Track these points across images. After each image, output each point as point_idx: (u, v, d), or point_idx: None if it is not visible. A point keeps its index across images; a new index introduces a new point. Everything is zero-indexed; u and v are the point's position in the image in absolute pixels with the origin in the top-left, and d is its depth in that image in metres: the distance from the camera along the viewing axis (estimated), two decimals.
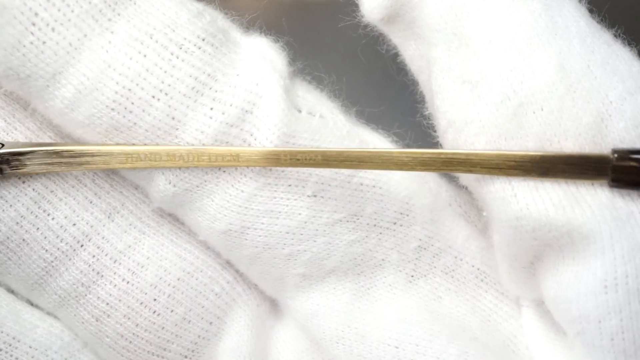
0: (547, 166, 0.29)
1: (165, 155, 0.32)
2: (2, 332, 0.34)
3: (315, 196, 0.33)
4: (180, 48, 0.31)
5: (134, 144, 0.32)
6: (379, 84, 0.41)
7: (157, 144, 0.32)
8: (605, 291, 0.28)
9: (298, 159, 0.31)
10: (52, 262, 0.34)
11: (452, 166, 0.30)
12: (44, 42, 0.30)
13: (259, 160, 0.31)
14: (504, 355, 0.33)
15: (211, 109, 0.32)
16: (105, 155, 0.32)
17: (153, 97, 0.31)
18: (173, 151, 0.31)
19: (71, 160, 0.32)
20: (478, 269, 0.35)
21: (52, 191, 0.33)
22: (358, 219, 0.34)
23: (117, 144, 0.32)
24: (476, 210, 0.36)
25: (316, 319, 0.34)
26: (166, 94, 0.31)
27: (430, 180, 0.35)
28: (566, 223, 0.29)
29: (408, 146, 0.35)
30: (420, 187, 0.35)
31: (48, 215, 0.33)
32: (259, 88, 0.32)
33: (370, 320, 0.34)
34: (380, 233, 0.34)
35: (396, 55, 0.34)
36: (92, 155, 0.32)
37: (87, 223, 0.34)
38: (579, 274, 0.29)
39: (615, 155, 0.28)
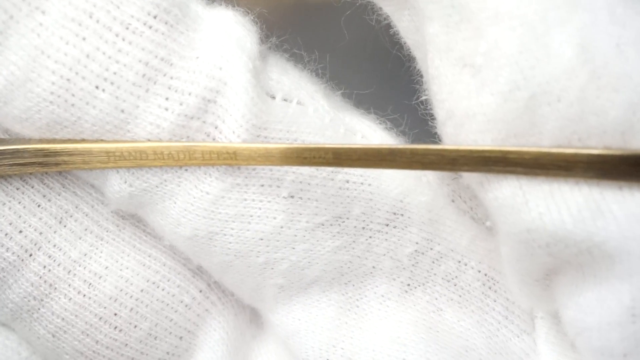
0: (606, 168, 0.24)
1: (152, 153, 0.28)
2: None
3: (292, 197, 0.29)
4: (127, 28, 0.27)
5: (116, 141, 0.28)
6: (369, 61, 0.36)
7: (144, 140, 0.28)
8: (632, 320, 0.24)
9: (305, 157, 0.27)
10: None
11: (488, 165, 0.25)
12: None
13: (259, 158, 0.27)
14: None
15: (167, 99, 0.27)
16: (84, 154, 0.28)
17: (97, 87, 0.27)
18: (161, 148, 0.28)
19: (46, 160, 0.29)
20: (485, 275, 0.30)
21: None
22: (343, 221, 0.29)
23: (98, 141, 0.28)
24: (484, 207, 0.31)
25: (298, 336, 0.30)
26: (112, 83, 0.27)
27: (428, 174, 0.30)
28: (586, 238, 0.24)
29: (403, 133, 0.30)
30: (416, 182, 0.30)
31: None
32: (222, 73, 0.27)
33: (358, 339, 0.30)
34: (370, 237, 0.30)
35: (389, 26, 0.29)
36: (70, 154, 0.28)
37: (35, 230, 0.30)
38: (602, 297, 0.24)
39: None
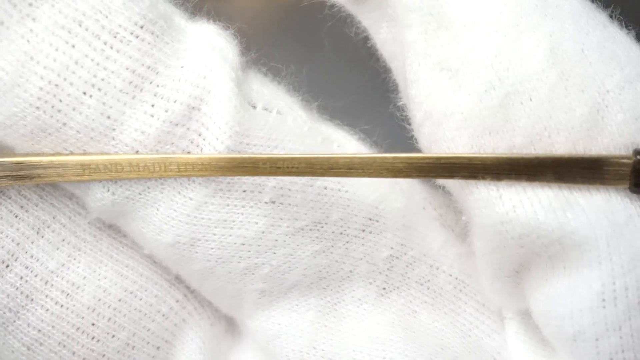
0: (561, 171, 0.26)
1: (128, 166, 0.28)
2: None
3: (273, 203, 0.29)
4: (115, 37, 0.27)
5: (91, 154, 0.28)
6: (345, 75, 0.37)
7: (118, 153, 0.28)
8: (603, 305, 0.25)
9: (279, 167, 0.27)
10: None
11: (454, 172, 0.26)
12: None
13: (234, 169, 0.28)
14: None
15: (152, 106, 0.28)
16: (58, 166, 0.28)
17: (84, 93, 0.27)
18: (137, 161, 0.28)
19: (20, 173, 0.28)
20: (456, 279, 0.32)
21: None
22: (322, 227, 0.30)
23: (72, 154, 0.28)
24: (453, 214, 0.32)
25: (278, 340, 0.31)
26: (99, 89, 0.27)
27: (401, 182, 0.32)
28: (557, 228, 0.25)
29: (376, 144, 0.32)
30: (390, 189, 0.31)
31: None
32: (206, 81, 0.28)
33: (338, 340, 0.30)
34: (348, 242, 0.31)
35: (366, 39, 0.30)
36: (45, 167, 0.28)
37: (12, 240, 0.30)
38: (572, 286, 0.26)
39: (638, 157, 0.25)
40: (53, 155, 0.29)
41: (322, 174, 0.28)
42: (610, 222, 0.26)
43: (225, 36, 0.30)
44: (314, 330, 0.31)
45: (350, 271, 0.31)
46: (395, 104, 0.30)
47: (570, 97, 0.25)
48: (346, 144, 0.31)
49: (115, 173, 0.28)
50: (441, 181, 0.29)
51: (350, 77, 0.37)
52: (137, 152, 0.28)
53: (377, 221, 0.31)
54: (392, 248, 0.31)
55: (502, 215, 0.26)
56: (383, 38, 0.30)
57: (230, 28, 0.30)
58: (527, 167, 0.26)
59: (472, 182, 0.27)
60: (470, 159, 0.26)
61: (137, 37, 0.28)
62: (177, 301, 0.32)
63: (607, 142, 0.26)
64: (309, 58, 0.34)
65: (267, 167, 0.28)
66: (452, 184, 0.28)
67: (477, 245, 0.29)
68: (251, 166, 0.28)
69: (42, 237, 0.30)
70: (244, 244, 0.30)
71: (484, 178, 0.26)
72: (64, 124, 0.28)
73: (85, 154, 0.28)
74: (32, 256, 0.30)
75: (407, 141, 0.30)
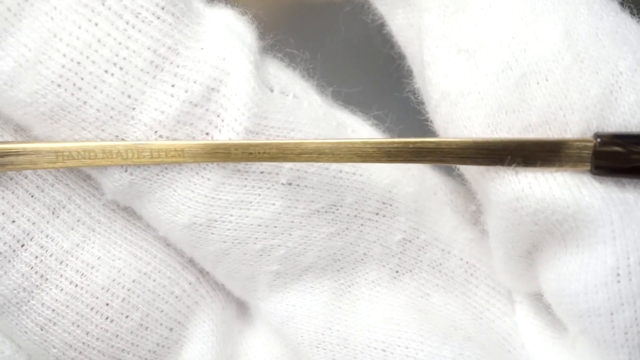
0: (525, 154, 0.27)
1: (101, 153, 0.28)
2: None
3: (290, 184, 0.30)
4: (137, 17, 0.28)
5: (64, 140, 0.28)
6: (359, 61, 0.38)
7: (89, 140, 0.28)
8: (617, 280, 0.26)
9: (251, 153, 0.28)
10: None
11: (421, 156, 0.27)
12: None
13: (206, 155, 0.28)
14: (500, 356, 0.30)
15: (172, 86, 0.28)
16: (31, 153, 0.28)
17: (106, 71, 0.28)
18: (109, 147, 0.28)
19: None
20: (467, 263, 0.32)
21: None
22: (337, 209, 0.31)
23: (45, 141, 0.29)
24: (463, 199, 0.33)
25: (293, 321, 0.31)
26: (121, 68, 0.28)
27: (413, 167, 0.32)
28: (572, 204, 0.26)
29: (389, 129, 0.32)
30: (403, 174, 0.32)
31: None
32: (226, 63, 0.29)
33: (352, 321, 0.31)
34: (362, 225, 0.31)
35: (382, 26, 0.31)
36: (17, 154, 0.28)
37: (28, 220, 0.30)
38: (585, 263, 0.26)
39: (598, 140, 0.26)
40: (26, 142, 0.29)
41: (293, 159, 0.28)
42: (621, 200, 0.26)
43: (242, 21, 0.30)
44: (329, 311, 0.31)
45: (364, 254, 0.31)
46: (409, 89, 0.31)
47: (585, 78, 0.26)
48: (360, 129, 0.32)
49: (88, 160, 0.28)
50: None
51: (364, 64, 0.38)
52: (121, 139, 0.29)
53: (391, 205, 0.31)
54: (404, 232, 0.32)
55: (517, 191, 0.27)
56: (399, 24, 0.31)
57: (247, 13, 0.31)
58: (491, 150, 0.27)
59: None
60: (437, 143, 0.27)
61: (158, 17, 0.28)
62: (190, 284, 0.32)
63: (620, 122, 0.26)
64: (324, 44, 0.34)
65: (238, 153, 0.28)
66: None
67: (490, 224, 0.29)
68: (223, 152, 0.28)
69: (58, 217, 0.30)
70: (260, 225, 0.30)
71: (450, 162, 0.27)
72: (85, 102, 0.28)
73: (59, 140, 0.29)
74: (47, 236, 0.30)
75: (420, 126, 0.31)
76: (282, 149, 0.28)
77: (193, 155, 0.28)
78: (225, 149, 0.28)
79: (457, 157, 0.27)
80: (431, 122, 0.30)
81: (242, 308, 0.34)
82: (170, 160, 0.28)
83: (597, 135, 0.26)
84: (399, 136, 0.32)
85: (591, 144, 0.26)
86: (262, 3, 0.31)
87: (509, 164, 0.27)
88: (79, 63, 0.27)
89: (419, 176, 0.32)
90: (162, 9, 0.28)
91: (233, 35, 0.29)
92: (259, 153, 0.28)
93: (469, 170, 0.29)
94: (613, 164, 0.26)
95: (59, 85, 0.28)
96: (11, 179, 0.30)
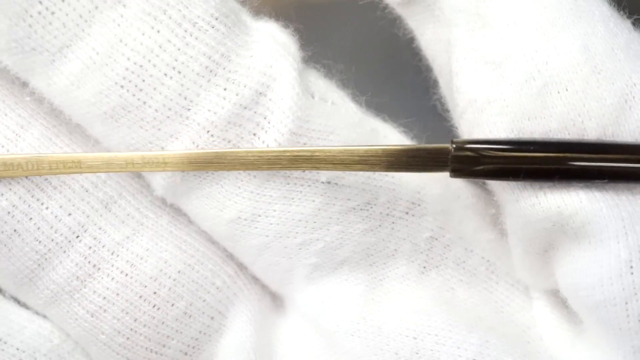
0: (391, 160, 0.30)
1: (2, 165, 0.30)
2: None
3: (329, 183, 0.32)
4: (194, 26, 0.30)
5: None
6: (389, 73, 0.40)
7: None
8: (631, 272, 0.28)
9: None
10: (45, 254, 0.32)
11: (297, 163, 0.30)
12: (52, 13, 0.29)
13: (101, 165, 0.30)
14: (520, 346, 0.32)
15: (225, 89, 0.31)
16: None
17: (165, 74, 0.30)
18: (10, 160, 0.30)
19: None
20: (488, 261, 0.35)
21: (46, 179, 0.31)
22: (371, 207, 0.33)
23: None
24: (483, 203, 0.35)
25: (329, 311, 0.33)
26: (179, 72, 0.30)
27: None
28: (585, 201, 0.29)
29: (417, 136, 0.35)
30: (430, 177, 0.34)
31: (42, 204, 0.31)
32: (273, 70, 0.31)
33: (385, 311, 0.33)
34: (393, 222, 0.33)
35: (411, 40, 0.34)
36: None
37: (83, 213, 0.32)
38: (598, 258, 0.29)
39: (454, 145, 0.29)
40: None
41: (175, 169, 0.30)
42: (630, 201, 0.29)
43: (286, 32, 0.33)
44: (363, 302, 0.33)
45: (395, 250, 0.34)
46: (436, 98, 0.34)
47: (602, 88, 0.29)
48: (390, 135, 0.34)
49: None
50: None
51: (394, 75, 0.41)
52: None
53: (419, 205, 0.34)
54: (432, 230, 0.34)
55: (535, 190, 0.29)
56: (428, 38, 0.33)
57: (289, 27, 0.34)
58: (361, 157, 0.30)
59: None
60: (312, 151, 0.30)
61: (212, 27, 0.31)
62: (229, 276, 0.34)
63: (633, 128, 0.29)
64: (358, 57, 0.37)
65: (159, 162, 0.30)
66: None
67: (509, 223, 0.32)
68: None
69: (110, 211, 0.33)
70: (300, 220, 0.32)
71: (325, 169, 0.30)
72: (144, 103, 0.30)
73: None
74: (100, 228, 0.32)
75: (446, 132, 0.34)
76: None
77: (89, 166, 0.30)
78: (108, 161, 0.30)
79: (330, 163, 0.30)
80: (456, 128, 0.33)
81: (276, 301, 0.36)
82: (68, 171, 0.30)
83: (452, 142, 0.29)
84: (427, 142, 0.35)
85: (448, 150, 0.29)
86: (302, 18, 0.34)
87: (378, 170, 0.30)
88: (141, 66, 0.30)
89: (444, 180, 0.35)
90: (216, 19, 0.31)
91: (279, 45, 0.32)
92: (152, 163, 0.30)
93: None
94: (468, 167, 0.29)
95: (122, 87, 0.30)
96: (68, 175, 0.32)
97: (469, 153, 0.29)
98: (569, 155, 0.29)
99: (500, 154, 0.29)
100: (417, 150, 0.30)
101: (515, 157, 0.29)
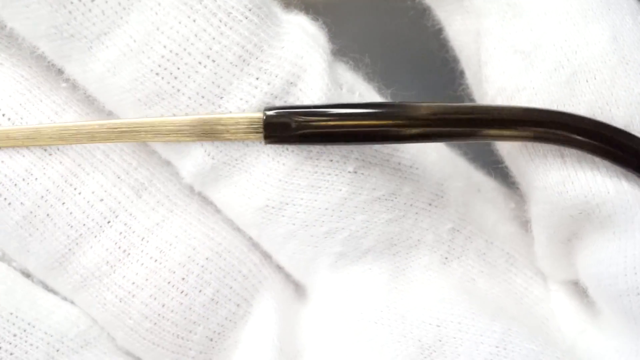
0: (206, 128, 0.31)
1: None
2: (17, 317, 0.32)
3: (355, 172, 0.33)
4: (229, 15, 0.31)
5: None
6: (413, 67, 0.41)
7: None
8: None
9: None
10: (76, 239, 0.32)
11: (119, 135, 0.31)
12: (92, 0, 0.29)
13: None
14: (540, 336, 0.33)
15: (257, 78, 0.31)
16: None
17: (200, 63, 0.31)
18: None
19: None
20: (507, 254, 0.35)
21: (79, 165, 0.32)
22: (396, 197, 0.34)
23: None
24: (503, 197, 0.36)
25: (353, 299, 0.34)
26: (213, 60, 0.31)
27: (460, 165, 0.36)
28: (612, 189, 0.30)
29: None
30: (453, 170, 0.35)
31: (75, 189, 0.32)
32: (303, 61, 0.32)
33: (409, 300, 0.33)
34: (417, 213, 0.34)
35: (439, 31, 0.35)
36: None
37: (114, 199, 0.32)
38: (622, 247, 0.30)
39: (266, 113, 0.30)
40: None
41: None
42: None
43: (315, 25, 0.34)
44: (387, 291, 0.34)
45: (418, 240, 0.34)
46: (462, 89, 0.34)
47: (630, 78, 0.30)
48: None
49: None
50: (503, 150, 0.33)
51: (420, 68, 0.41)
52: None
53: (442, 197, 0.34)
54: (454, 222, 0.35)
55: (564, 176, 0.30)
56: (456, 29, 0.34)
57: (318, 20, 0.34)
58: (176, 126, 0.31)
59: (538, 147, 0.31)
60: (129, 124, 0.31)
61: (246, 17, 0.31)
62: (255, 265, 0.35)
63: None
64: (385, 49, 0.38)
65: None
66: (514, 153, 0.32)
67: (534, 211, 0.33)
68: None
69: (140, 197, 0.33)
70: (327, 209, 0.33)
71: (143, 139, 0.31)
72: (178, 90, 0.31)
73: None
74: (131, 215, 0.33)
75: None
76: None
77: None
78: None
79: (149, 134, 0.31)
80: None
81: (298, 291, 0.37)
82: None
83: (266, 110, 0.30)
84: None
85: (260, 118, 0.30)
86: (330, 11, 0.35)
87: (199, 140, 0.31)
88: (177, 54, 0.30)
89: (465, 174, 0.35)
90: (249, 10, 0.31)
91: (309, 37, 0.33)
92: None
93: (515, 161, 0.33)
94: (281, 134, 0.30)
95: (157, 74, 0.30)
96: (101, 162, 0.33)
97: (282, 119, 0.30)
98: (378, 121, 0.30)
99: (311, 118, 0.30)
100: (231, 119, 0.31)
101: (328, 123, 0.30)
